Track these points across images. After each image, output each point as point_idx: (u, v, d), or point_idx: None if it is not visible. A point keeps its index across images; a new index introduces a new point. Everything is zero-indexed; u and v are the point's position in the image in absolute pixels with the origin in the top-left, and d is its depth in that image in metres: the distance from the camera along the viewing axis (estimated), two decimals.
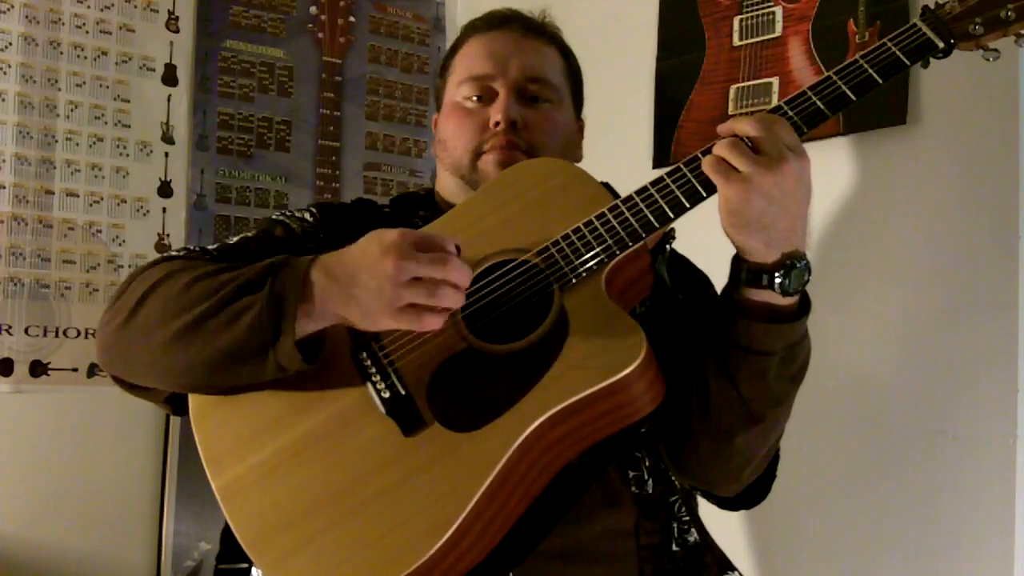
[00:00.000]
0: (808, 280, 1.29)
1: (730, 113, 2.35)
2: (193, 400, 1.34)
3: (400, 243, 1.17)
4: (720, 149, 1.25)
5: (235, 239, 1.51)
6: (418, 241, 1.18)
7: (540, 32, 1.63)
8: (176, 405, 1.39)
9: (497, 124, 1.53)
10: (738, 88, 2.34)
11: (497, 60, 1.57)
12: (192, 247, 1.49)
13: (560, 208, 1.36)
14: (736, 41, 2.37)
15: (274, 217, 1.56)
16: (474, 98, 1.58)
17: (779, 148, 1.22)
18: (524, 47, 1.59)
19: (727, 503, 1.55)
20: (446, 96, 1.64)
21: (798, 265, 1.26)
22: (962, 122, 1.95)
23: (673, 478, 1.51)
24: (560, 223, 1.34)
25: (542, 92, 1.57)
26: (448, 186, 1.63)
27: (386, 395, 1.27)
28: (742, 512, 1.58)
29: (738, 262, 1.30)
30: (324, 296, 1.22)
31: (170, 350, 1.29)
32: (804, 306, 1.33)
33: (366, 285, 1.18)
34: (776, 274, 1.26)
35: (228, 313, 1.24)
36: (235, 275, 1.28)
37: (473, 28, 1.65)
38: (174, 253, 1.46)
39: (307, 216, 1.56)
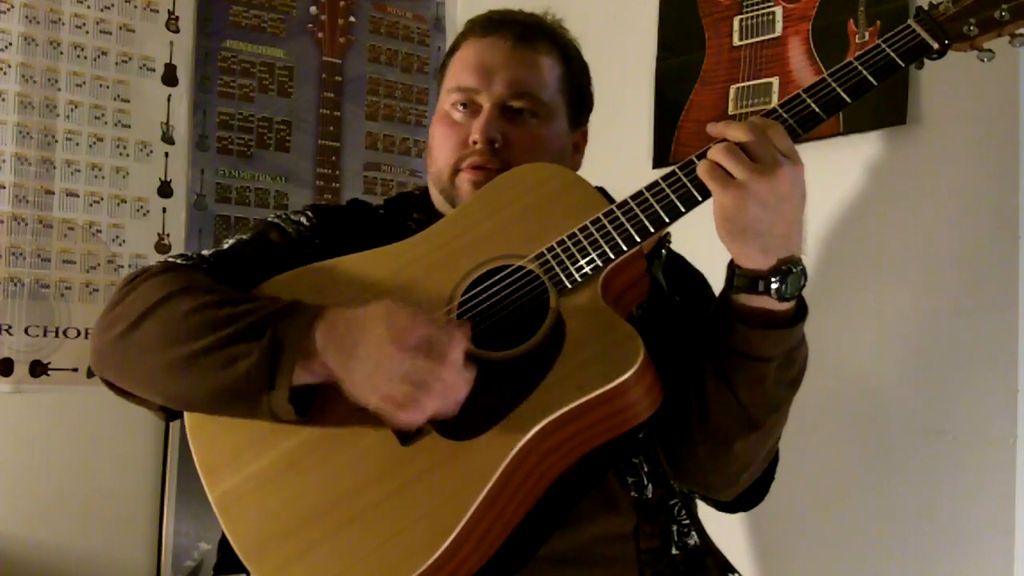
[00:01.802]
0: (804, 285, 1.28)
1: (730, 113, 2.35)
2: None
3: (405, 329, 1.20)
4: (715, 154, 1.24)
5: (230, 243, 1.51)
6: (426, 332, 1.20)
7: (537, 38, 1.57)
8: (169, 412, 1.39)
9: (475, 143, 1.51)
10: (738, 88, 2.34)
11: (484, 72, 1.53)
12: (190, 253, 1.48)
13: (555, 213, 1.36)
14: (736, 41, 2.36)
15: (269, 220, 1.56)
16: (460, 108, 1.55)
17: (773, 154, 1.22)
18: (514, 58, 1.54)
19: (725, 506, 1.55)
20: (439, 101, 1.62)
21: (794, 270, 1.26)
22: (962, 122, 1.95)
23: (672, 481, 1.50)
24: (556, 228, 1.33)
25: (528, 107, 1.53)
26: (434, 195, 1.62)
27: None
28: (742, 513, 1.58)
29: (734, 268, 1.29)
30: (323, 355, 1.22)
31: (165, 376, 1.30)
32: (801, 311, 1.33)
33: (361, 361, 1.20)
34: (772, 280, 1.25)
35: (226, 355, 1.24)
36: (238, 312, 1.27)
37: (470, 30, 1.61)
38: (172, 259, 1.45)
39: (303, 220, 1.55)
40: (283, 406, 1.23)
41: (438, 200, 1.59)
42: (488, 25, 1.58)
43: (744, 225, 1.23)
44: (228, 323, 1.26)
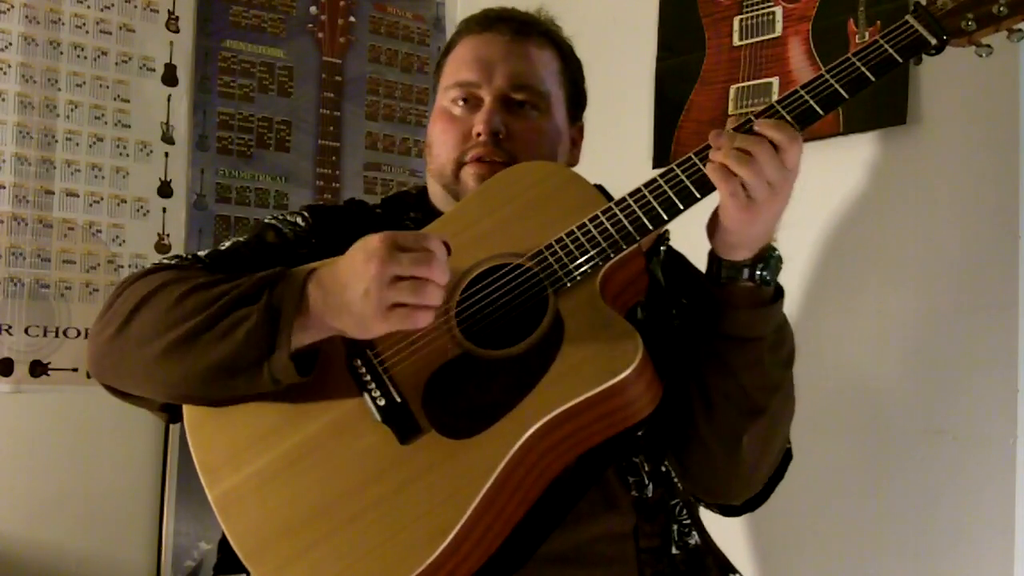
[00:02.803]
0: (781, 267, 1.35)
1: (730, 113, 2.35)
2: (188, 409, 1.34)
3: (383, 246, 1.17)
4: (740, 170, 1.24)
5: (227, 244, 1.51)
6: (401, 242, 1.18)
7: (533, 33, 1.59)
8: (171, 413, 1.39)
9: (479, 135, 1.51)
10: (738, 88, 2.34)
11: (484, 66, 1.54)
12: (185, 255, 1.49)
13: (554, 211, 1.36)
14: (736, 41, 2.36)
15: (266, 221, 1.56)
16: (460, 103, 1.55)
17: (786, 175, 1.26)
18: (513, 52, 1.55)
19: (731, 510, 1.55)
20: (436, 98, 1.63)
21: (773, 255, 1.33)
22: (962, 122, 1.94)
23: (675, 481, 1.50)
24: (554, 226, 1.33)
25: (529, 100, 1.54)
26: (434, 192, 1.62)
27: (381, 403, 1.26)
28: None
29: (715, 260, 1.35)
30: (318, 308, 1.22)
31: (164, 362, 1.29)
32: (778, 291, 1.38)
33: (354, 290, 1.18)
34: (757, 268, 1.32)
35: (224, 325, 1.24)
36: (231, 287, 1.28)
37: (466, 28, 1.62)
38: (165, 261, 1.45)
39: (299, 220, 1.55)
40: (284, 367, 1.22)
41: (440, 197, 1.59)
42: (484, 21, 1.59)
43: (743, 235, 1.29)
44: (221, 296, 1.27)
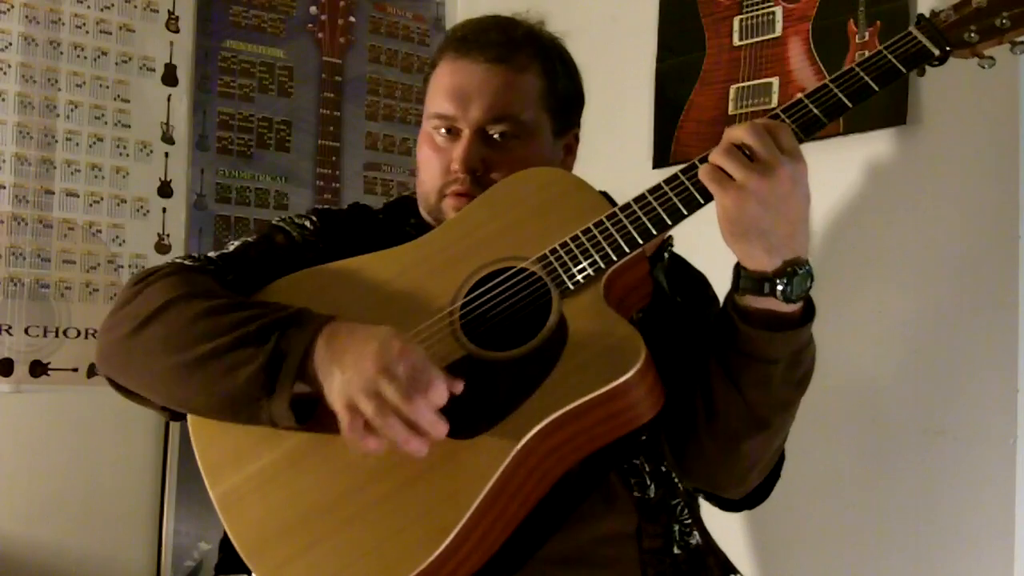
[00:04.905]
0: (811, 286, 1.27)
1: (730, 113, 2.35)
2: None
3: (393, 355, 1.18)
4: (715, 157, 1.24)
5: (236, 245, 1.51)
6: (410, 365, 1.18)
7: (512, 56, 1.53)
8: (172, 411, 1.39)
9: (456, 171, 1.49)
10: (738, 88, 2.34)
11: (460, 98, 1.50)
12: (196, 255, 1.49)
13: (558, 216, 1.36)
14: (736, 41, 2.37)
15: (275, 223, 1.56)
16: (443, 131, 1.53)
17: (773, 153, 1.21)
18: (490, 82, 1.50)
19: (730, 505, 1.55)
20: (424, 117, 1.60)
21: (800, 272, 1.25)
22: (962, 122, 1.95)
23: (676, 481, 1.50)
24: (559, 231, 1.34)
25: (509, 131, 1.50)
26: (422, 212, 1.60)
27: None
28: (742, 513, 1.58)
29: (739, 270, 1.29)
30: (317, 361, 1.23)
31: (167, 380, 1.31)
32: (808, 312, 1.33)
33: (343, 368, 1.20)
34: (778, 281, 1.25)
35: (228, 361, 1.25)
36: (243, 318, 1.28)
37: (446, 47, 1.57)
38: (180, 260, 1.46)
39: (307, 224, 1.55)
40: (283, 414, 1.23)
41: (426, 218, 1.58)
42: (461, 45, 1.54)
43: (746, 225, 1.23)
44: (232, 329, 1.27)
